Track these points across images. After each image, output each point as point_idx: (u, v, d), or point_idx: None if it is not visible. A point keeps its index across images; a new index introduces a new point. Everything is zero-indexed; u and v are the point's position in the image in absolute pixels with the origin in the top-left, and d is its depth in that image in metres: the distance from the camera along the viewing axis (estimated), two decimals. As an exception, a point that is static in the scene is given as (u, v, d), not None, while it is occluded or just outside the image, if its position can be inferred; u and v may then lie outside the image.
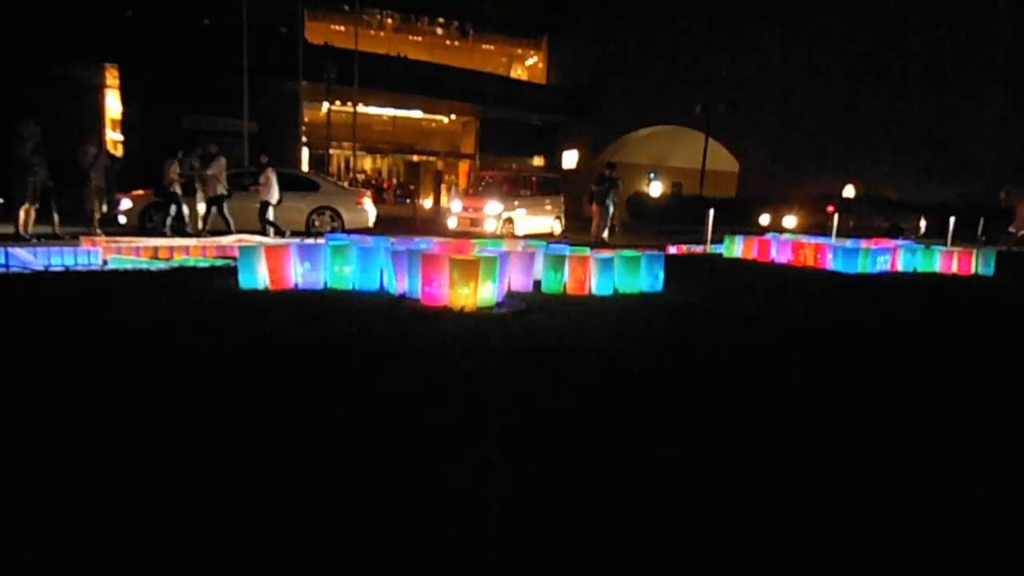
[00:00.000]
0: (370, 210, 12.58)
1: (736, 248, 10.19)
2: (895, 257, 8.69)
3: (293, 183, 12.29)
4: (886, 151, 19.70)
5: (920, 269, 8.72)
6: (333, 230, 11.53)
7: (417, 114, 31.61)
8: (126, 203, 10.78)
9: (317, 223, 11.91)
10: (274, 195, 10.77)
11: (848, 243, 9.21)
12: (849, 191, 19.27)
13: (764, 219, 17.44)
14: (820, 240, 9.71)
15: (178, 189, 10.55)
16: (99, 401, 2.64)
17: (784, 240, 9.74)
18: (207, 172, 10.59)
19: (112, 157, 11.25)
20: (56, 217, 9.57)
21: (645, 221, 22.37)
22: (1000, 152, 17.78)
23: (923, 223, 16.79)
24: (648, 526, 1.82)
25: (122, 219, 10.65)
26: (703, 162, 21.59)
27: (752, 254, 9.92)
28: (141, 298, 4.97)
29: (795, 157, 21.90)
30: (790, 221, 16.54)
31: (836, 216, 14.83)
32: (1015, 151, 17.43)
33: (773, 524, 1.87)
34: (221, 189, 10.61)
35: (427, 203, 31.02)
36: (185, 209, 10.73)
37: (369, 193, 13.48)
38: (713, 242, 11.37)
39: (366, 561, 1.60)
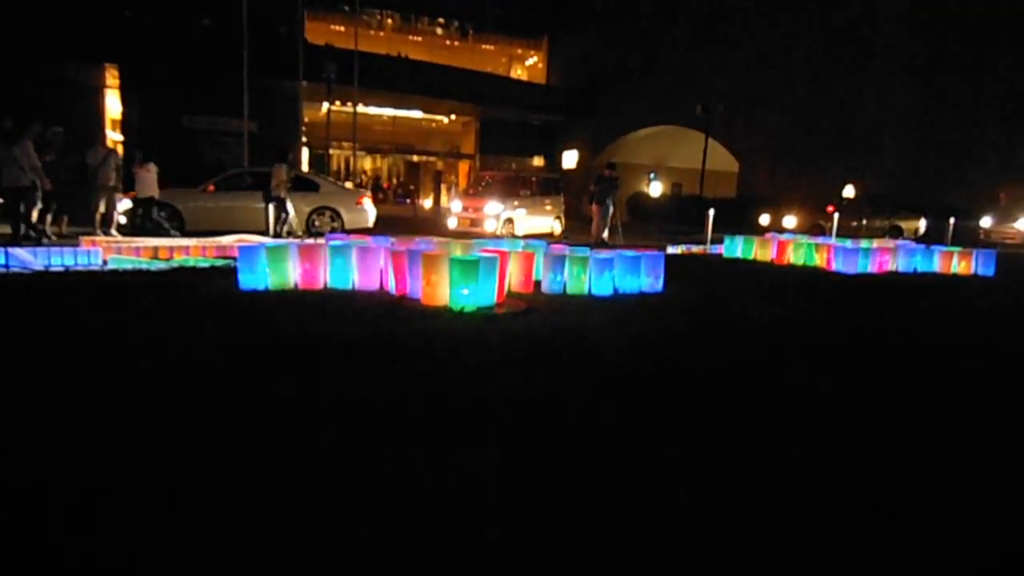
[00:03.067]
0: (370, 210, 12.57)
1: (736, 248, 10.19)
2: (895, 258, 8.69)
3: (294, 184, 12.29)
4: (884, 151, 19.70)
5: (920, 269, 8.72)
6: (333, 230, 11.53)
7: (417, 114, 31.58)
8: (125, 203, 10.78)
9: (317, 223, 11.90)
10: (155, 190, 10.62)
11: (849, 243, 9.20)
12: (849, 191, 19.26)
13: (764, 219, 17.40)
14: (820, 240, 9.71)
15: (284, 193, 10.91)
16: (98, 401, 2.64)
17: (784, 240, 9.73)
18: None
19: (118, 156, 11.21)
20: (49, 218, 9.57)
21: (645, 221, 22.35)
22: (998, 154, 17.79)
23: (923, 223, 16.76)
24: (648, 525, 1.82)
25: (121, 219, 10.64)
26: (703, 162, 21.57)
27: (753, 254, 9.91)
28: (141, 298, 4.97)
29: (795, 157, 21.89)
30: (790, 221, 16.51)
31: (837, 216, 14.80)
32: (1011, 153, 17.45)
33: (772, 524, 1.87)
34: (283, 193, 11.02)
35: (427, 203, 31.02)
36: (291, 211, 11.09)
37: (369, 193, 13.47)
38: (713, 242, 11.36)
39: (366, 560, 1.60)
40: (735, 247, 10.20)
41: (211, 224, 10.87)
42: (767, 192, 20.86)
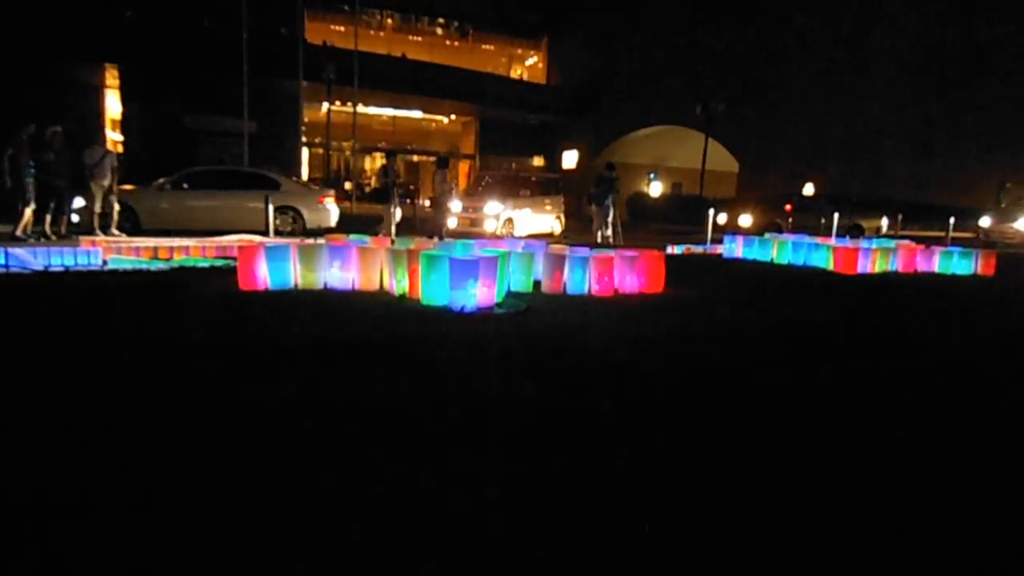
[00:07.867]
0: (332, 210, 11.88)
1: (736, 248, 10.19)
2: (893, 257, 8.68)
3: (252, 182, 11.62)
4: (882, 150, 19.73)
5: (920, 269, 8.72)
6: (293, 231, 10.94)
7: (417, 114, 31.62)
8: (78, 202, 10.04)
9: (278, 223, 10.86)
10: None
11: (849, 243, 9.19)
12: (808, 189, 19.10)
13: (721, 218, 17.11)
14: (821, 240, 9.69)
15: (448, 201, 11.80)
16: (96, 401, 2.64)
17: (785, 240, 9.73)
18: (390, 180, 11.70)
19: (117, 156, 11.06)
20: (48, 218, 9.52)
21: (645, 221, 22.36)
22: (998, 154, 17.80)
23: (884, 221, 16.57)
24: (646, 525, 1.82)
25: (75, 217, 10.20)
26: (703, 162, 21.58)
27: (753, 254, 9.90)
28: (140, 298, 4.97)
29: (796, 158, 21.90)
30: (745, 220, 16.24)
31: (837, 216, 14.73)
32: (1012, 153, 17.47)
33: (769, 524, 1.87)
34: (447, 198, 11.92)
35: (427, 203, 31.02)
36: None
37: (332, 192, 12.57)
38: (713, 241, 11.36)
39: (367, 561, 1.60)
40: (734, 247, 10.20)
41: (169, 223, 10.54)
42: (765, 192, 20.86)
